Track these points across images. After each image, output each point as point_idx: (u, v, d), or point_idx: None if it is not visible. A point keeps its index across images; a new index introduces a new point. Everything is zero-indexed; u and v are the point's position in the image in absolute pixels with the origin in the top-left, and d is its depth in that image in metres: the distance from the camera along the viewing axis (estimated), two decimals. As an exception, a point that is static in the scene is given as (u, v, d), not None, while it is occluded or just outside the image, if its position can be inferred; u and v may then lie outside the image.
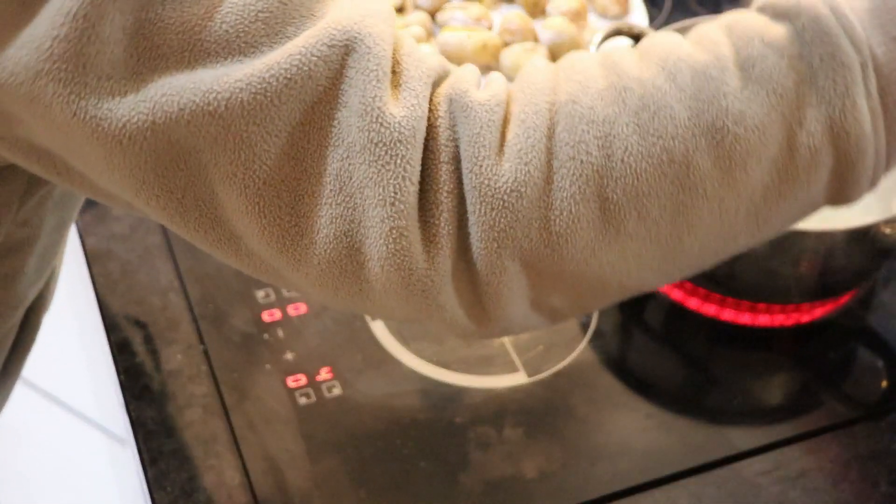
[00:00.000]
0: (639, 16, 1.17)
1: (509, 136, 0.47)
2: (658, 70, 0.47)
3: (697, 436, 0.82)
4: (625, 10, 1.17)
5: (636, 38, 0.99)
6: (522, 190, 0.46)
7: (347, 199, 0.46)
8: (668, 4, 1.24)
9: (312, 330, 0.88)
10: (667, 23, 1.18)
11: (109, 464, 1.45)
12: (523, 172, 0.46)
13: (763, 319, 0.90)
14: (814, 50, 0.46)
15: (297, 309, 0.90)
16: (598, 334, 0.89)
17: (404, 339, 0.88)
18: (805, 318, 0.91)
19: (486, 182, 0.46)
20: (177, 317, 0.89)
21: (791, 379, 0.89)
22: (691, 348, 0.91)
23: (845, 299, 0.93)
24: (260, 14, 0.45)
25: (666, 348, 0.92)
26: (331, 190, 0.46)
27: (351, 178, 0.46)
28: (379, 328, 0.89)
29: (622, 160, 0.46)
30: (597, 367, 0.87)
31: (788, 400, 0.87)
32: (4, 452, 1.58)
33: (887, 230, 0.82)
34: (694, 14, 1.21)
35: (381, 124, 0.45)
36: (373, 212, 0.46)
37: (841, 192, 0.49)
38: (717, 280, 0.89)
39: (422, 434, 0.81)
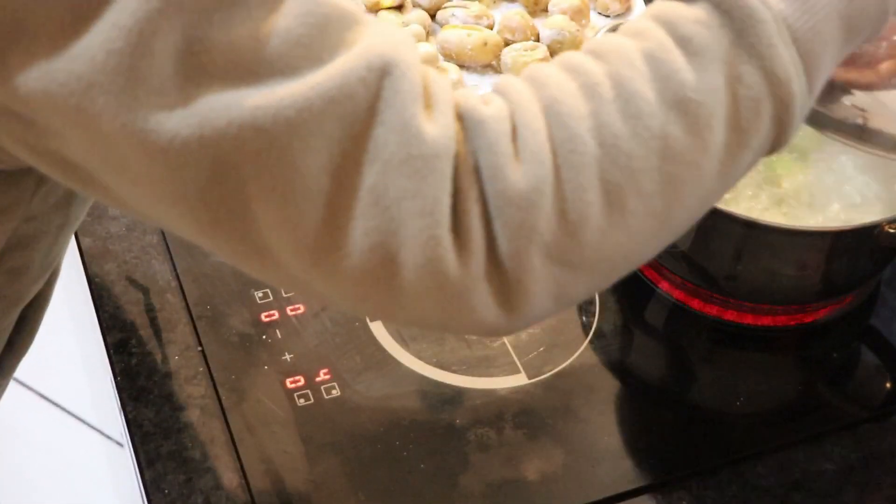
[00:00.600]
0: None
1: (519, 142, 0.51)
2: (615, 62, 0.53)
3: (700, 437, 0.82)
4: (626, 7, 1.17)
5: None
6: (542, 188, 0.50)
7: (383, 211, 0.49)
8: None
9: (311, 331, 0.88)
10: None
11: (107, 466, 1.44)
12: (540, 172, 0.50)
13: (766, 320, 0.90)
14: (733, 15, 0.53)
15: (295, 310, 0.89)
16: (599, 335, 0.89)
17: (403, 341, 0.87)
18: (808, 318, 0.91)
19: (510, 186, 0.50)
20: (174, 318, 0.89)
21: (794, 380, 0.88)
22: (693, 349, 0.90)
23: (849, 299, 0.92)
24: (302, 39, 0.49)
25: (667, 349, 0.91)
26: (366, 203, 0.49)
27: (387, 192, 0.49)
28: (378, 329, 0.88)
29: (613, 145, 0.51)
30: (598, 368, 0.87)
31: (791, 401, 0.87)
32: (2, 454, 1.57)
33: (891, 230, 0.82)
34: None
35: (421, 141, 0.49)
36: (411, 222, 0.49)
37: (781, 135, 0.56)
38: (721, 282, 0.89)
39: (421, 436, 0.81)
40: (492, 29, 1.14)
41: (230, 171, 0.48)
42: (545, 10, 1.17)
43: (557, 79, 0.53)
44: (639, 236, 0.53)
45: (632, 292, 0.93)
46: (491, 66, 1.12)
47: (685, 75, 0.52)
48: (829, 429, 0.83)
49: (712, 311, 0.90)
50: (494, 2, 1.20)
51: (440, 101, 0.51)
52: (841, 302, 0.92)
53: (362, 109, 0.49)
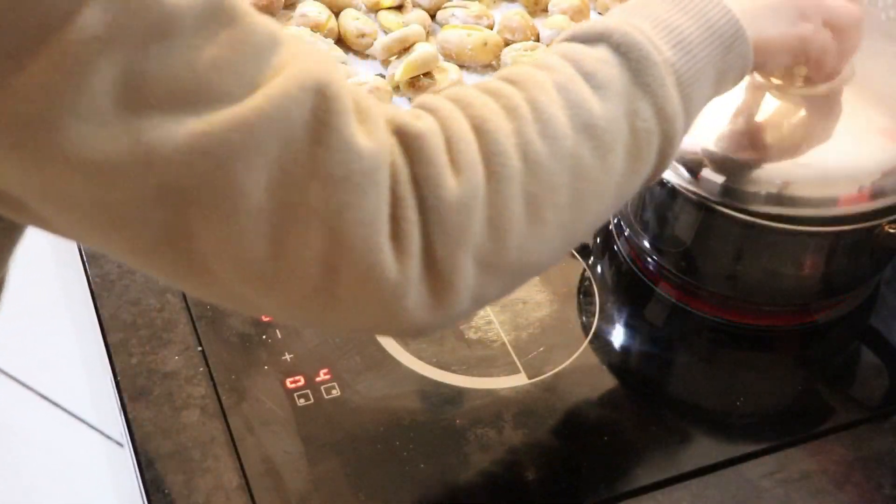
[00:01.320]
0: (640, 14, 1.17)
1: (454, 153, 0.55)
2: (531, 89, 0.58)
3: (700, 437, 0.82)
4: (626, 8, 1.17)
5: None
6: (477, 195, 0.55)
7: (323, 223, 0.52)
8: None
9: (311, 331, 0.88)
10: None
11: (107, 466, 1.44)
12: (474, 181, 0.55)
13: (766, 320, 0.90)
14: (631, 57, 0.60)
15: (295, 309, 0.89)
16: (599, 335, 0.89)
17: (403, 341, 0.87)
18: (808, 318, 0.91)
19: (450, 193, 0.54)
20: (174, 318, 0.89)
21: (794, 380, 0.88)
22: (693, 349, 0.90)
23: (849, 299, 0.92)
24: (236, 66, 0.51)
25: (667, 349, 0.91)
26: (306, 217, 0.51)
27: (327, 205, 0.51)
28: (378, 329, 0.88)
29: (535, 161, 0.56)
30: (598, 368, 0.87)
31: (792, 401, 0.86)
32: (1, 454, 1.58)
33: (891, 230, 0.82)
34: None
35: (360, 156, 0.52)
36: (352, 232, 0.52)
37: (660, 167, 0.63)
38: (721, 282, 0.89)
39: (421, 436, 0.81)
40: (492, 29, 1.14)
41: (174, 193, 0.50)
42: (545, 10, 1.18)
43: (481, 100, 0.58)
44: (549, 245, 0.59)
45: (632, 292, 0.94)
46: (491, 66, 1.12)
47: (592, 105, 0.58)
48: (829, 429, 0.83)
49: (712, 311, 0.90)
50: (494, 2, 1.20)
51: (372, 116, 0.54)
52: (841, 302, 0.92)
53: (299, 127, 0.51)
